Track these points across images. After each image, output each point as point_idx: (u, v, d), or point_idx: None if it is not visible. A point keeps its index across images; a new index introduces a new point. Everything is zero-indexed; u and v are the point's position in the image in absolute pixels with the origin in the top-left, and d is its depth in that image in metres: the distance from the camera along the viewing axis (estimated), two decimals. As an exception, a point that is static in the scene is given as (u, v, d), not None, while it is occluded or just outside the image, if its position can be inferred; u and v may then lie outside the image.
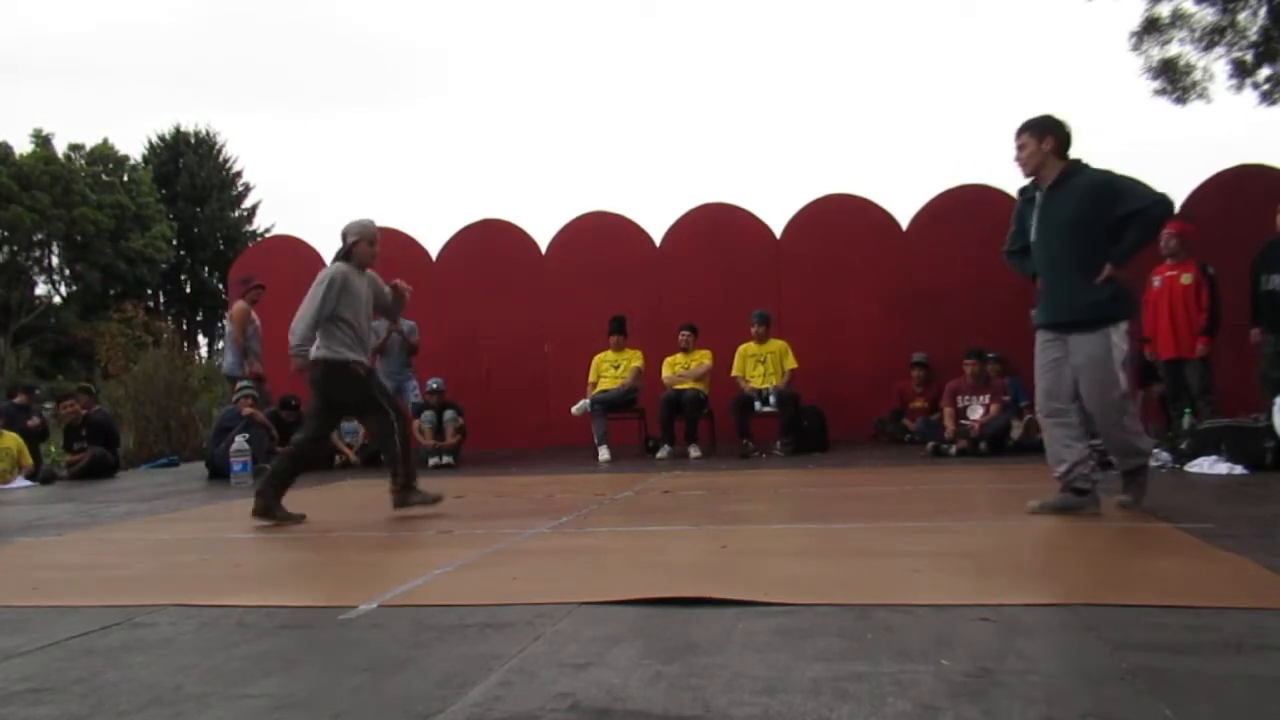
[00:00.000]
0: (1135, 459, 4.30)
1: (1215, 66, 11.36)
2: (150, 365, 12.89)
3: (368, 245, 5.11)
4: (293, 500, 5.03)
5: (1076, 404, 4.22)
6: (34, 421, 9.73)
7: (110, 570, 3.86)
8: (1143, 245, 4.25)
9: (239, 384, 8.95)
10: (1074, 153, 4.29)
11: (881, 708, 1.84)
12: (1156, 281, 7.32)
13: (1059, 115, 4.29)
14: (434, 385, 8.82)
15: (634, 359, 8.97)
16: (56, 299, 34.11)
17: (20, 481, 8.74)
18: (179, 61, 56.19)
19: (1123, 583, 2.95)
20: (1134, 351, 4.31)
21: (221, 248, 36.13)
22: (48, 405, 11.76)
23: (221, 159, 37.72)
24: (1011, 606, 2.58)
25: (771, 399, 8.40)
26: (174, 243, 34.63)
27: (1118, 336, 4.13)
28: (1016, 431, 8.00)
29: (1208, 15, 11.13)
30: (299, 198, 55.81)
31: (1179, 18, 11.23)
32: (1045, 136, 4.21)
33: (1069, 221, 4.16)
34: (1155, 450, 6.33)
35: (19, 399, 10.39)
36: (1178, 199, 9.25)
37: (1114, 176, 4.16)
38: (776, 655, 2.22)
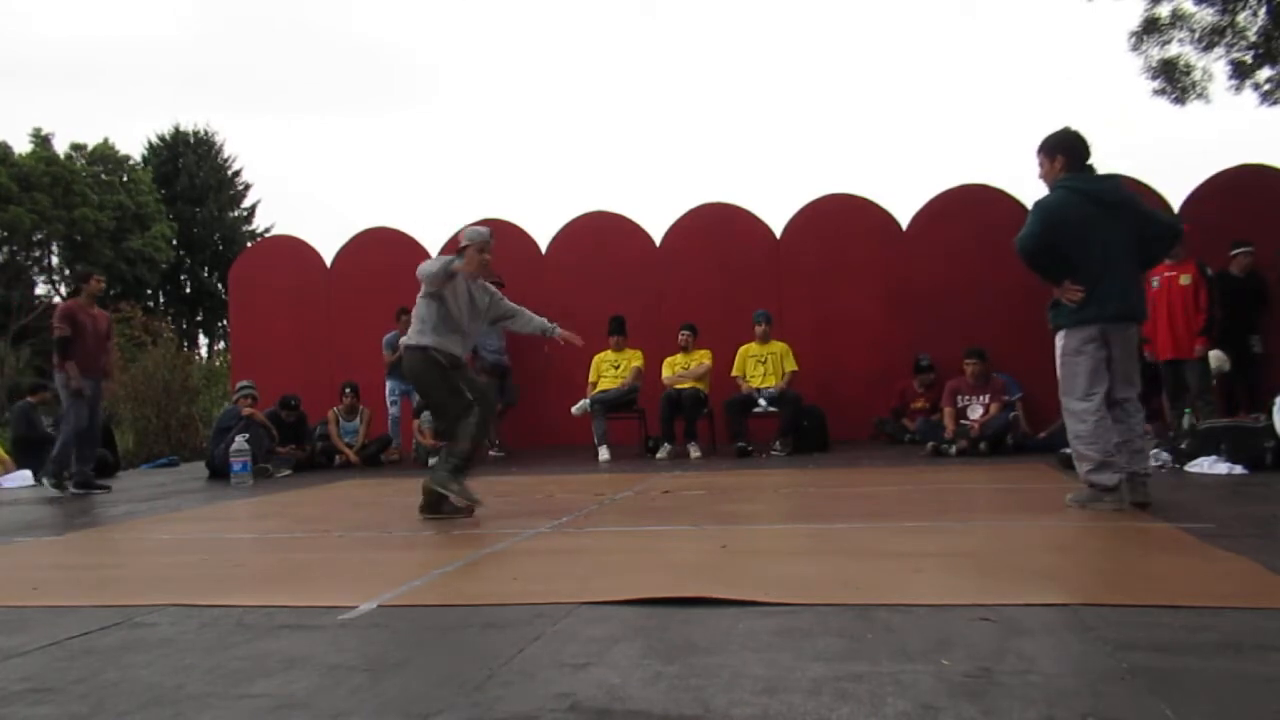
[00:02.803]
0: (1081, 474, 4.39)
1: (1215, 67, 11.38)
2: (150, 365, 12.89)
3: (475, 253, 5.07)
4: (293, 499, 5.02)
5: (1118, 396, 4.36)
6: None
7: (110, 570, 3.86)
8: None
9: (239, 385, 8.96)
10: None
11: (881, 708, 1.84)
12: (1155, 282, 7.32)
13: (1067, 129, 4.40)
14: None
15: (634, 359, 8.98)
16: (56, 299, 34.08)
17: (17, 479, 8.75)
18: (179, 62, 56.21)
19: (1123, 583, 2.96)
20: (1090, 369, 4.29)
21: (221, 248, 36.07)
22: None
23: (221, 159, 37.66)
24: (1011, 606, 2.58)
25: (771, 397, 8.42)
26: (174, 243, 34.56)
27: (1057, 344, 4.40)
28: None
29: (1207, 16, 11.14)
30: (299, 198, 55.80)
31: (1179, 18, 11.24)
32: (1055, 155, 4.38)
33: None
34: (1154, 450, 6.33)
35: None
36: (1177, 200, 9.38)
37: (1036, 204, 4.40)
38: (776, 655, 2.22)
